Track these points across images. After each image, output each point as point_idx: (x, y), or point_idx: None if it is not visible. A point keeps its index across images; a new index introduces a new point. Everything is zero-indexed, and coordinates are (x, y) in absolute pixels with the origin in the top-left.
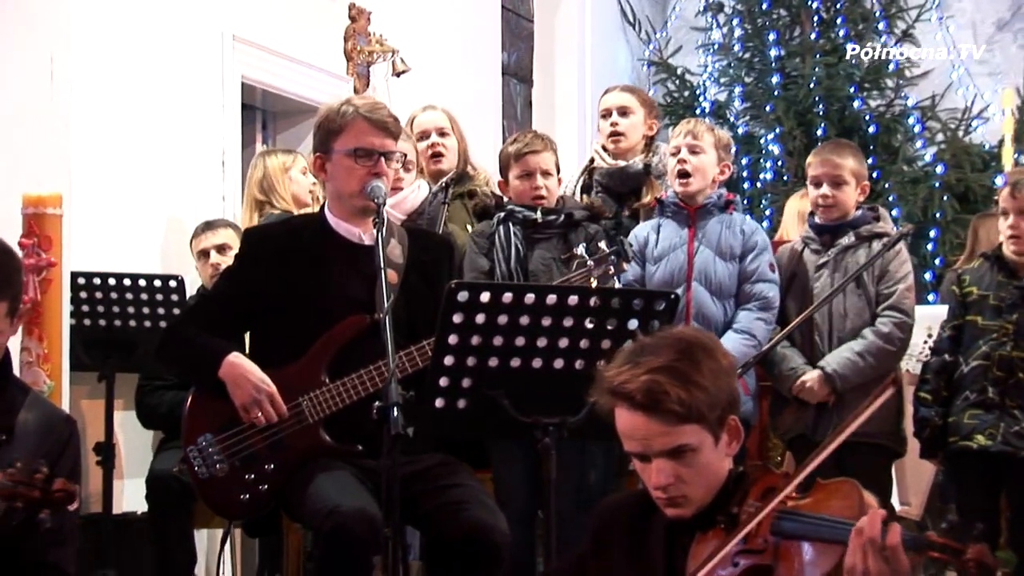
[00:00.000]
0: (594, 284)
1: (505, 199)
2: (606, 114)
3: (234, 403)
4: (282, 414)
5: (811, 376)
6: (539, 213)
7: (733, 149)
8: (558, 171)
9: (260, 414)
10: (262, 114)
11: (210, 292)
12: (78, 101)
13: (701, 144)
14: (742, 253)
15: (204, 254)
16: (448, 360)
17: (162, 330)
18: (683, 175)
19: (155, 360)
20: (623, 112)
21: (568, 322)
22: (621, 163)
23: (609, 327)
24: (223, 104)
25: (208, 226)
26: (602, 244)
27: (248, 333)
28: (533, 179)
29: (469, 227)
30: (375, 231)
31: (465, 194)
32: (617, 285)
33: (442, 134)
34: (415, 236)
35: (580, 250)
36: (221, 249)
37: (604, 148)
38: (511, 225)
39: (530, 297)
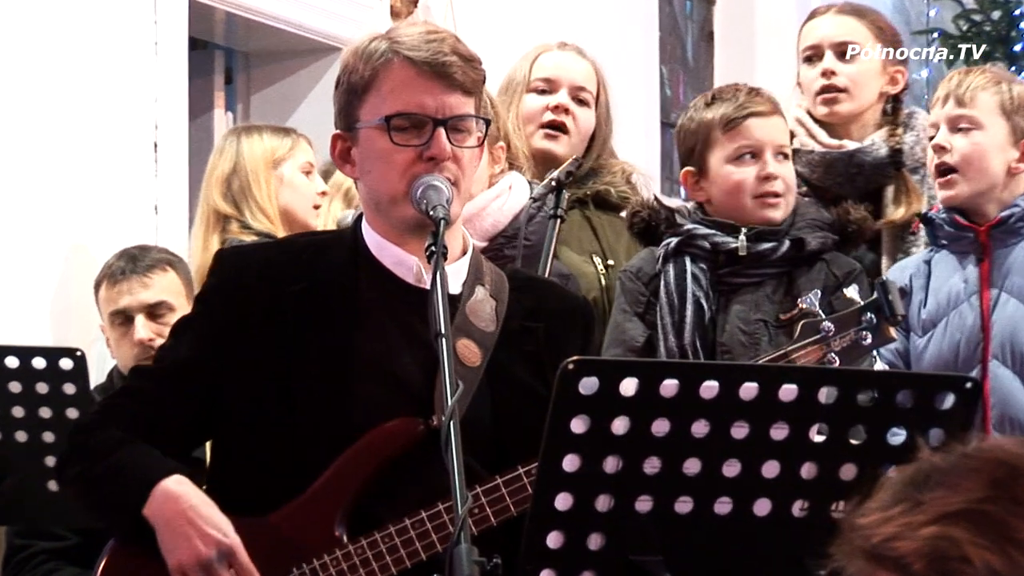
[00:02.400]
0: (835, 363)
1: (683, 211)
2: (812, 55)
3: (167, 562)
4: None
5: None
6: (742, 237)
7: None
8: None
9: None
10: (225, 57)
11: (151, 365)
12: None
13: (973, 114)
14: None
15: (121, 318)
16: (562, 501)
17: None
18: (943, 173)
19: (60, 487)
20: (842, 52)
21: (780, 432)
22: (848, 145)
23: (854, 442)
24: (156, 41)
25: (132, 265)
26: (850, 291)
27: (210, 444)
28: (762, 162)
29: (619, 263)
30: (433, 271)
31: (594, 197)
32: (878, 365)
33: (579, 98)
34: (522, 286)
35: (808, 303)
36: (155, 312)
37: (811, 115)
38: (688, 262)
39: (710, 387)
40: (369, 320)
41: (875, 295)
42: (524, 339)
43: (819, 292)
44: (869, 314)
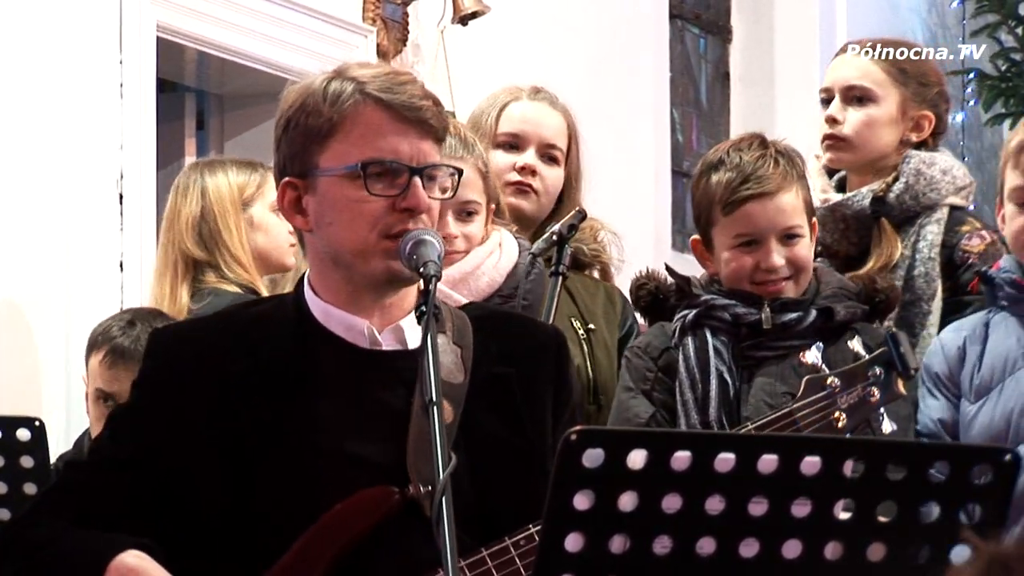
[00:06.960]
0: (843, 424)
1: (696, 281)
2: (824, 98)
3: None
4: None
5: None
6: (766, 311)
7: None
8: (811, 223)
9: None
10: (197, 100)
11: (88, 455)
12: None
13: None
14: None
15: (109, 399)
16: None
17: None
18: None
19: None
20: (855, 96)
21: (802, 509)
22: (831, 197)
23: (882, 519)
24: (121, 82)
25: (135, 346)
26: (854, 343)
27: (162, 532)
28: (763, 251)
29: (599, 327)
30: (424, 333)
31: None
32: (887, 427)
33: (548, 155)
34: (487, 326)
35: (811, 357)
36: None
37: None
38: (708, 334)
39: (726, 460)
40: (325, 395)
41: (883, 350)
42: (496, 388)
43: (822, 345)
44: (877, 368)
